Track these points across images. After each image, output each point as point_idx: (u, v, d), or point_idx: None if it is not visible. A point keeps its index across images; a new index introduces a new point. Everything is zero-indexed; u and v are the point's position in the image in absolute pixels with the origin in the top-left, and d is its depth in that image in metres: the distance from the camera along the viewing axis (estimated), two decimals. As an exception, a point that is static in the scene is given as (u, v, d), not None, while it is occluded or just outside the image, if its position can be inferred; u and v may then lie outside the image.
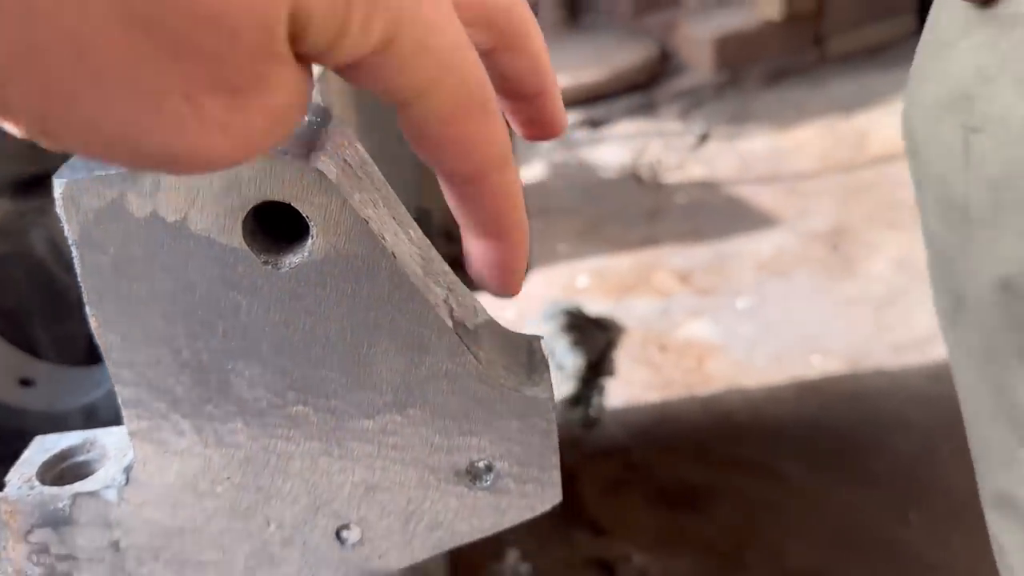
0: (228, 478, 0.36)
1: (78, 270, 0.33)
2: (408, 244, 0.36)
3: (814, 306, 1.47)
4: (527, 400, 0.36)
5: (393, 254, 0.33)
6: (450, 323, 0.35)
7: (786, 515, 1.03)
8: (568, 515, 1.08)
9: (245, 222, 0.31)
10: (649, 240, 1.79)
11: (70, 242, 0.32)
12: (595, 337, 1.43)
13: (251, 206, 0.32)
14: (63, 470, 0.39)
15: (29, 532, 0.37)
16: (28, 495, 0.36)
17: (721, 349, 1.39)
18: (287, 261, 0.33)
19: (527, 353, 0.39)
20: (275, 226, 0.33)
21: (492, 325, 0.37)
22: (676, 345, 1.42)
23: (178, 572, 0.37)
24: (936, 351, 1.32)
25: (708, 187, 2.06)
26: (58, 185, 0.31)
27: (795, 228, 1.79)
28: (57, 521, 0.36)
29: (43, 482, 0.38)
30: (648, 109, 2.44)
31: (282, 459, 0.36)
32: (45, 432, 0.52)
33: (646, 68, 2.53)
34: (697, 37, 2.52)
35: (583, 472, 1.15)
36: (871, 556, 0.97)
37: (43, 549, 0.37)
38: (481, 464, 0.37)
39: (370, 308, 0.34)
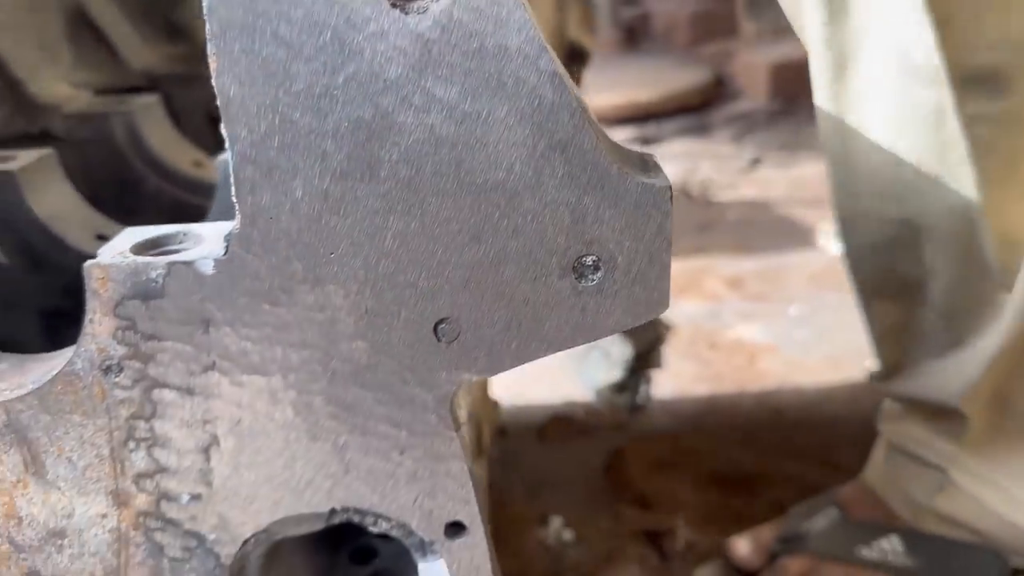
0: (331, 253, 0.35)
1: (205, 8, 0.32)
2: (536, 13, 0.35)
3: (869, 315, 1.44)
4: (645, 187, 0.35)
5: (524, 4, 0.32)
6: (576, 93, 0.34)
7: (841, 501, 0.99)
8: (614, 489, 1.05)
9: (380, -41, 0.31)
10: (699, 250, 1.77)
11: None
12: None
13: (387, -58, 0.31)
14: (157, 252, 0.38)
15: (119, 304, 0.36)
16: (122, 262, 0.36)
17: (773, 350, 1.36)
18: (415, 6, 0.32)
19: (640, 159, 0.38)
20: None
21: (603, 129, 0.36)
22: (726, 344, 1.40)
23: (268, 349, 0.36)
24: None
25: (759, 206, 2.04)
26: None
27: (848, 247, 1.76)
28: (149, 293, 0.36)
29: (138, 254, 0.37)
30: (701, 131, 2.44)
31: (379, 234, 0.35)
32: None
33: (700, 91, 2.54)
34: (753, 64, 2.53)
35: (630, 452, 1.12)
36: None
37: (130, 326, 0.36)
38: (589, 260, 0.36)
39: (494, 66, 0.33)
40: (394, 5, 0.32)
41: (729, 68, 2.61)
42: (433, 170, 0.34)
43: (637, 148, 0.39)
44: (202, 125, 0.83)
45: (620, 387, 1.26)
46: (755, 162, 2.29)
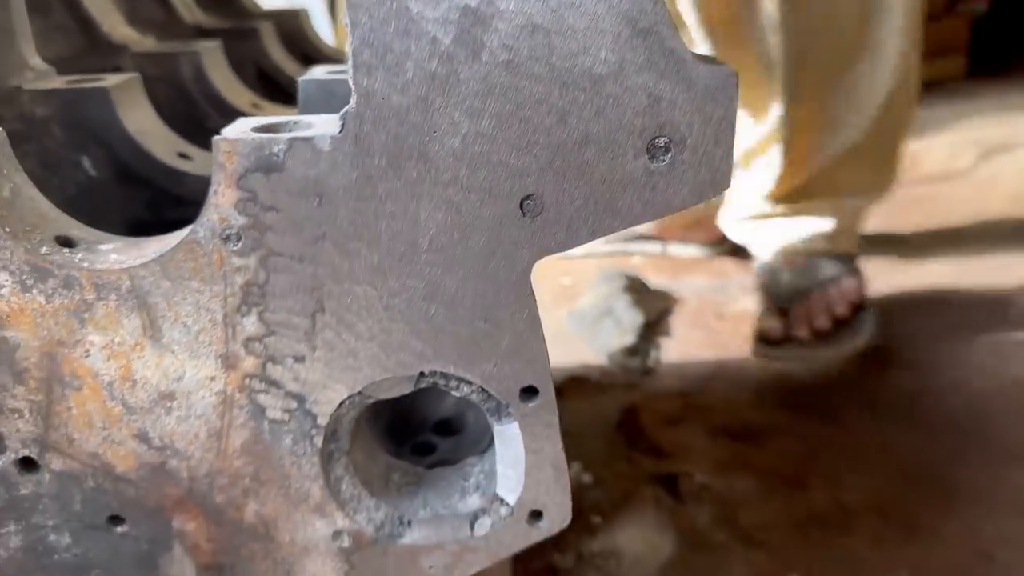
0: (434, 131, 0.40)
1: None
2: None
3: (875, 291, 1.50)
4: (715, 72, 0.40)
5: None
6: (654, -14, 0.39)
7: (846, 451, 1.05)
8: (628, 440, 1.10)
9: None
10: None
11: None
12: (653, 300, 1.46)
13: None
14: (273, 131, 0.42)
15: (242, 177, 0.41)
16: (249, 137, 0.40)
17: (777, 320, 1.42)
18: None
19: (703, 56, 0.43)
20: None
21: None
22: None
23: (373, 221, 0.41)
24: (997, 334, 1.34)
25: (759, 194, 2.10)
26: None
27: (847, 230, 1.82)
28: (270, 167, 0.40)
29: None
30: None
31: (477, 114, 0.40)
32: (201, 194, 0.57)
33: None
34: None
35: (643, 408, 1.17)
36: (930, 488, 0.98)
37: (251, 197, 0.41)
38: (661, 142, 0.41)
39: (587, -39, 0.38)
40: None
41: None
42: (529, 55, 0.39)
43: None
44: (251, 77, 0.87)
45: (631, 351, 1.31)
46: (754, 153, 2.34)
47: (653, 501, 0.98)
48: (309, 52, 1.00)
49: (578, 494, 0.99)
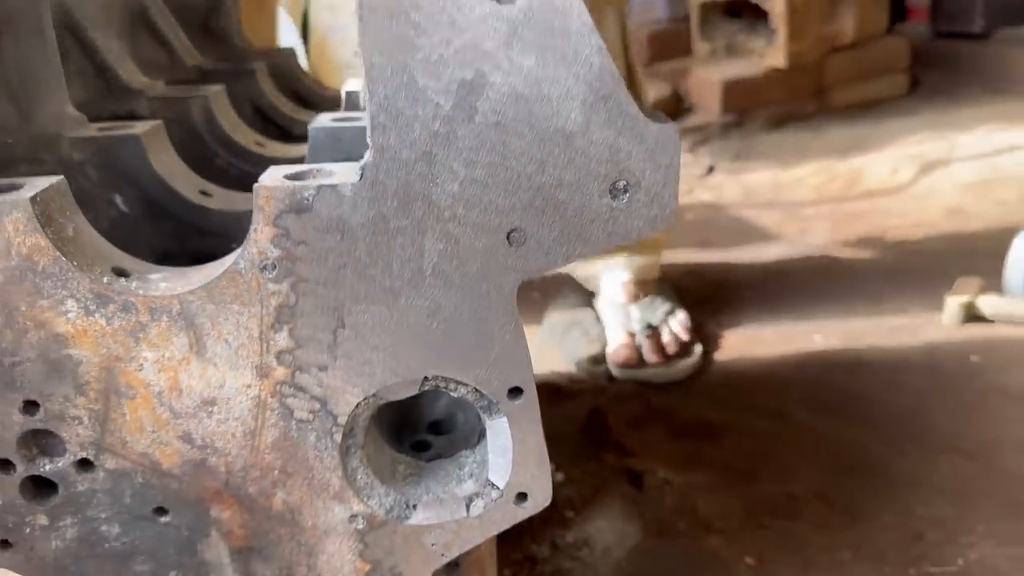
0: (437, 178, 0.49)
1: (358, 6, 0.46)
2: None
3: (816, 300, 1.61)
4: (662, 130, 0.49)
5: (583, 5, 0.47)
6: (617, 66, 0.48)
7: (794, 446, 1.15)
8: (597, 441, 1.19)
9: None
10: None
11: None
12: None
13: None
14: (302, 179, 0.51)
15: (277, 217, 0.49)
16: (283, 185, 0.49)
17: (732, 328, 1.52)
18: None
19: (652, 112, 0.52)
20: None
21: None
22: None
23: (386, 251, 0.49)
24: (929, 333, 1.46)
25: (715, 208, 2.22)
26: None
27: (795, 243, 1.94)
28: (301, 208, 0.49)
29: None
30: (659, 141, 2.61)
31: (472, 164, 0.49)
32: (225, 230, 0.66)
33: (660, 106, 2.72)
34: (708, 81, 2.72)
35: (609, 411, 1.26)
36: (870, 478, 1.08)
37: (284, 234, 0.50)
38: (621, 184, 0.50)
39: (560, 42, 0.47)
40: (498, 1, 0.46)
41: (684, 85, 2.80)
42: (513, 117, 0.48)
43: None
44: (248, 114, 0.95)
45: (597, 360, 1.40)
46: (710, 170, 2.47)
47: (620, 495, 1.07)
48: (298, 89, 1.08)
49: (552, 491, 1.08)
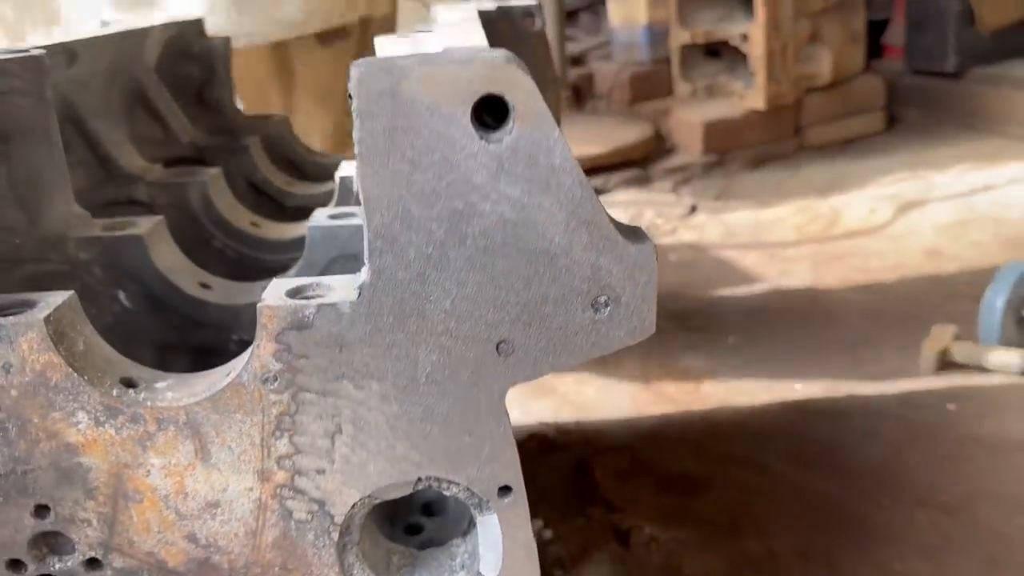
0: (430, 296, 0.52)
1: (356, 132, 0.49)
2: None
3: (796, 346, 1.65)
4: (640, 250, 0.53)
5: (562, 135, 0.50)
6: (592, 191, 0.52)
7: (775, 499, 1.18)
8: (584, 496, 1.21)
9: (474, 108, 0.49)
10: (646, 289, 1.98)
11: (354, 112, 0.49)
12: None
13: (478, 96, 0.49)
14: (302, 295, 0.54)
15: (279, 333, 0.52)
16: (285, 303, 0.52)
17: (714, 376, 1.56)
18: (495, 138, 0.50)
19: (631, 231, 0.56)
20: (491, 117, 0.50)
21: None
22: (674, 370, 1.59)
23: (382, 362, 0.52)
24: (905, 382, 1.50)
25: (697, 249, 2.26)
26: (354, 70, 0.48)
27: (776, 285, 1.99)
28: (302, 325, 0.52)
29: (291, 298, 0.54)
30: (643, 181, 2.67)
31: (463, 283, 0.52)
32: (224, 323, 0.69)
33: (642, 146, 2.77)
34: (689, 122, 2.77)
35: (596, 464, 1.29)
36: (849, 532, 1.12)
37: (286, 349, 0.53)
38: (602, 300, 0.54)
39: (544, 174, 0.51)
40: (482, 137, 0.49)
41: (666, 125, 2.85)
42: (502, 241, 0.51)
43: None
44: (242, 188, 0.99)
45: (584, 411, 1.43)
46: (692, 209, 2.51)
47: (608, 553, 1.09)
48: (291, 156, 1.11)
49: (541, 549, 1.10)
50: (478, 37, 0.67)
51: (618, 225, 0.54)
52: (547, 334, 0.54)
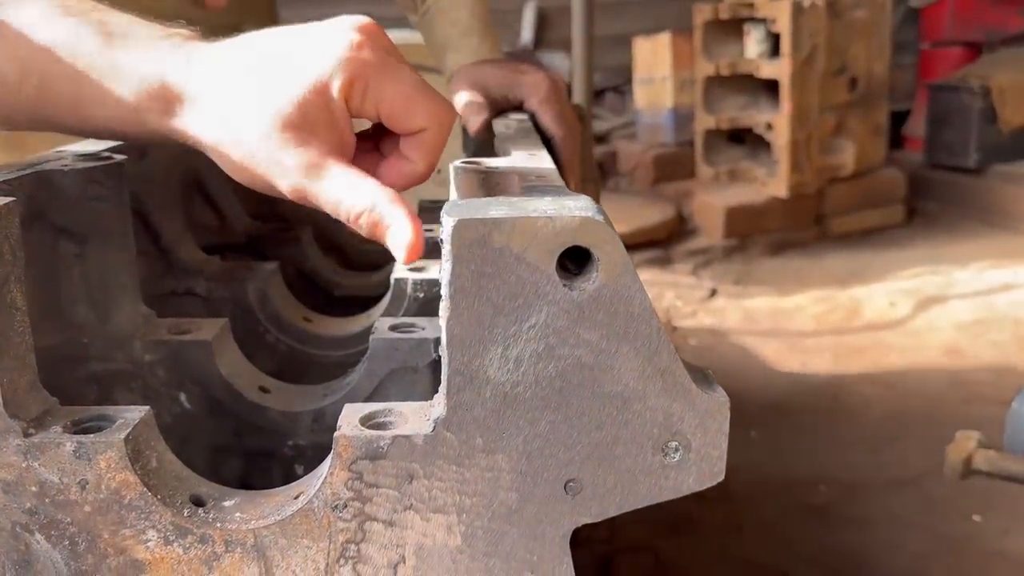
0: (504, 433, 0.53)
1: (445, 275, 0.51)
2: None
3: (819, 444, 1.65)
4: (713, 400, 0.54)
5: (641, 286, 0.51)
6: (669, 341, 0.53)
7: (803, 612, 1.17)
8: (608, 597, 1.20)
9: (559, 258, 0.50)
10: (667, 375, 1.98)
11: (443, 258, 0.50)
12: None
13: (564, 247, 0.50)
14: (376, 423, 0.55)
15: (353, 462, 0.53)
16: (360, 434, 0.53)
17: (737, 471, 1.55)
18: (578, 286, 0.51)
19: (702, 373, 0.57)
20: (573, 263, 0.51)
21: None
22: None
23: (450, 496, 0.53)
24: (932, 488, 1.49)
25: (717, 334, 2.27)
26: (447, 221, 0.50)
27: (797, 377, 1.99)
28: (375, 455, 0.53)
29: (364, 427, 0.54)
30: (664, 262, 2.69)
31: (536, 422, 0.53)
32: (281, 429, 0.70)
33: (664, 227, 2.81)
34: (711, 205, 2.81)
35: (618, 565, 1.28)
36: (878, 652, 1.10)
37: (358, 477, 0.53)
38: (673, 445, 0.54)
39: (622, 322, 0.52)
40: (565, 285, 0.50)
41: (688, 207, 2.89)
42: (577, 382, 0.52)
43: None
44: (294, 278, 1.00)
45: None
46: (712, 293, 2.53)
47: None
48: (341, 245, 1.13)
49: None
50: (549, 165, 0.69)
51: (690, 369, 0.55)
52: (616, 475, 0.54)
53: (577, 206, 0.52)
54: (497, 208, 0.51)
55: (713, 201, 2.80)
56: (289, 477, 0.70)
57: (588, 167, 1.39)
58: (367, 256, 1.12)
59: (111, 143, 0.77)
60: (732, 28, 2.85)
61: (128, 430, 0.54)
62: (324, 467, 0.54)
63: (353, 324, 0.92)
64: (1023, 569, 1.26)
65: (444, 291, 0.52)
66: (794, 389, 1.92)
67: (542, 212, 0.51)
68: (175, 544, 0.54)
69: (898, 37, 3.36)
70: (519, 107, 1.01)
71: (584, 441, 0.54)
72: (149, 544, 0.54)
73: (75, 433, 0.54)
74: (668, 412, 0.54)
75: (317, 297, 1.02)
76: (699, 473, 0.55)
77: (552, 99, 0.96)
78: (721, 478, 0.55)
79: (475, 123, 0.98)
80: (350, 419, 0.55)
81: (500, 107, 1.01)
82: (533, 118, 0.98)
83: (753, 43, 2.78)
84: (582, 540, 1.34)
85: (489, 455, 0.53)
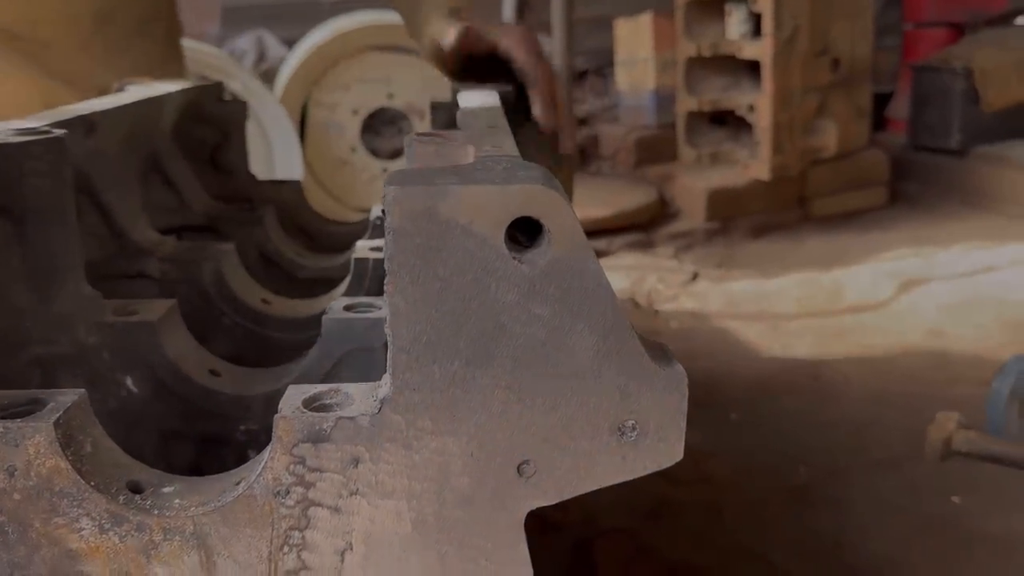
0: (453, 415, 0.50)
1: (388, 250, 0.48)
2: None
3: (800, 425, 1.63)
4: (670, 376, 0.51)
5: (595, 258, 0.49)
6: (625, 319, 0.51)
7: (779, 595, 1.15)
8: (583, 582, 1.19)
9: (509, 230, 0.48)
10: (647, 359, 1.96)
11: (387, 230, 0.48)
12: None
13: (513, 218, 0.48)
14: (319, 405, 0.53)
15: (294, 446, 0.51)
16: (302, 416, 0.50)
17: (717, 454, 1.54)
18: (528, 259, 0.49)
19: (660, 348, 0.55)
20: (524, 236, 0.49)
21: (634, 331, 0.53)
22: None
23: (398, 481, 0.51)
24: (912, 469, 1.48)
25: (699, 317, 2.25)
26: (389, 191, 0.47)
27: (779, 359, 1.97)
28: (318, 438, 0.51)
29: (307, 410, 0.52)
30: (646, 246, 2.67)
31: (488, 403, 0.50)
32: (232, 414, 0.68)
33: (646, 210, 2.78)
34: (693, 188, 2.79)
35: (597, 548, 1.26)
36: (855, 634, 1.09)
37: (300, 462, 0.51)
38: (629, 424, 0.52)
39: (575, 297, 0.50)
40: (515, 259, 0.48)
41: (670, 190, 2.87)
42: (529, 361, 0.50)
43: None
44: (255, 260, 0.97)
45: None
46: (694, 277, 2.51)
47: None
48: (303, 224, 1.10)
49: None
50: (509, 145, 0.66)
51: (647, 345, 0.53)
52: (571, 457, 0.52)
53: (527, 175, 0.50)
54: (443, 177, 0.49)
55: (695, 184, 2.78)
56: (243, 463, 0.68)
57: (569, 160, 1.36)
58: (332, 238, 1.09)
59: (51, 118, 0.74)
60: (714, 8, 2.82)
61: (59, 414, 0.51)
62: (266, 452, 0.52)
63: (314, 305, 0.90)
64: (1003, 550, 1.26)
65: (387, 265, 0.49)
66: (776, 372, 1.91)
67: (490, 181, 0.49)
68: (111, 533, 0.52)
69: (882, 18, 3.34)
70: (493, 50, 1.01)
71: (538, 422, 0.51)
72: (83, 533, 0.52)
73: (3, 418, 0.51)
74: (625, 390, 0.51)
75: (279, 280, 0.99)
76: (657, 452, 0.53)
77: (526, 36, 0.98)
78: (679, 457, 0.53)
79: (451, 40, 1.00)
80: (292, 401, 0.53)
81: (476, 48, 1.02)
82: (507, 61, 0.99)
83: (735, 23, 2.75)
84: (559, 523, 1.33)
85: (439, 437, 0.51)
